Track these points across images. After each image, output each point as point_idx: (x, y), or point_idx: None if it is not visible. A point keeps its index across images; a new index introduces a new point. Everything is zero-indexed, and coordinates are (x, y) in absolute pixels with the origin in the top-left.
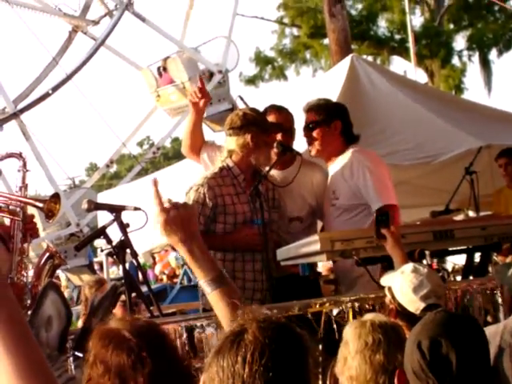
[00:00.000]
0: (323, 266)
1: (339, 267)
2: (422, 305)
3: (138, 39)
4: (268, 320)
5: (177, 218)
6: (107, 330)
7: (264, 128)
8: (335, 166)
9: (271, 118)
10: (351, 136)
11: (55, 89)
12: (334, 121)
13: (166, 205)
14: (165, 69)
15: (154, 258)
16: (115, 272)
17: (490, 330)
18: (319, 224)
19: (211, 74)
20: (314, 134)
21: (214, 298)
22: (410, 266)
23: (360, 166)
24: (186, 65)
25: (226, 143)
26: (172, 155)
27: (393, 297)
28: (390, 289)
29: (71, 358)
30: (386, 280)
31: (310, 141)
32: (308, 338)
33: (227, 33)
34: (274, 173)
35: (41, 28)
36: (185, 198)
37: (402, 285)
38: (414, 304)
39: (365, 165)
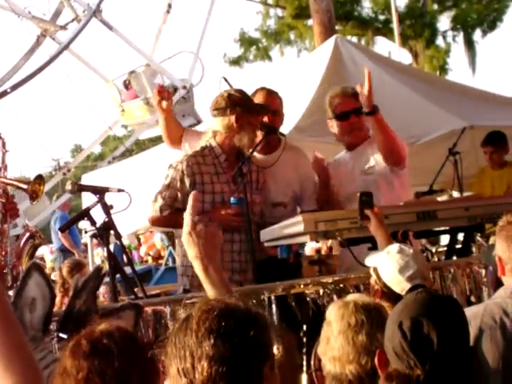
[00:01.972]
0: (310, 247)
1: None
2: (408, 285)
3: (108, 49)
4: (213, 301)
5: (200, 233)
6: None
7: (249, 109)
8: (360, 150)
9: (260, 100)
10: None
11: (15, 87)
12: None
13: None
14: (130, 83)
15: (138, 240)
16: (100, 253)
17: (471, 311)
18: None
19: (175, 89)
20: (361, 120)
21: None
22: (395, 246)
23: None
24: (151, 79)
25: (211, 124)
26: (156, 137)
27: (378, 277)
28: (375, 269)
29: (55, 340)
30: (372, 260)
31: (358, 126)
32: (255, 313)
33: (195, 49)
34: (259, 157)
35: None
36: (165, 175)
37: (388, 265)
38: (399, 285)
39: None
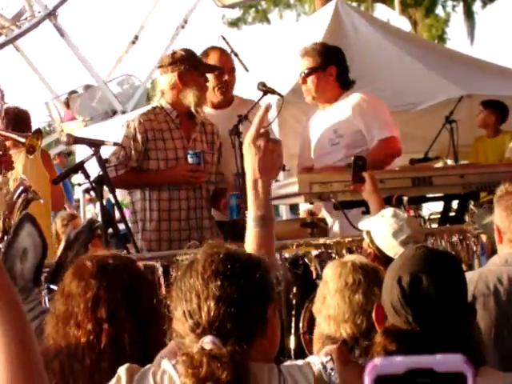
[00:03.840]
0: (303, 209)
1: None
2: (401, 250)
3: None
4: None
5: (259, 149)
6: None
7: (194, 66)
8: (333, 108)
9: (215, 60)
10: (347, 81)
11: None
12: (328, 66)
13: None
14: (68, 103)
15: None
16: (92, 210)
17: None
18: None
19: (114, 112)
20: (309, 80)
21: (251, 235)
22: (389, 210)
23: (361, 104)
24: (90, 102)
25: (158, 83)
26: (152, 96)
27: (371, 241)
28: (368, 233)
29: (45, 291)
30: (365, 224)
31: (306, 87)
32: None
33: (144, 79)
34: (210, 112)
35: None
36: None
37: (382, 229)
38: (393, 249)
39: (366, 102)
